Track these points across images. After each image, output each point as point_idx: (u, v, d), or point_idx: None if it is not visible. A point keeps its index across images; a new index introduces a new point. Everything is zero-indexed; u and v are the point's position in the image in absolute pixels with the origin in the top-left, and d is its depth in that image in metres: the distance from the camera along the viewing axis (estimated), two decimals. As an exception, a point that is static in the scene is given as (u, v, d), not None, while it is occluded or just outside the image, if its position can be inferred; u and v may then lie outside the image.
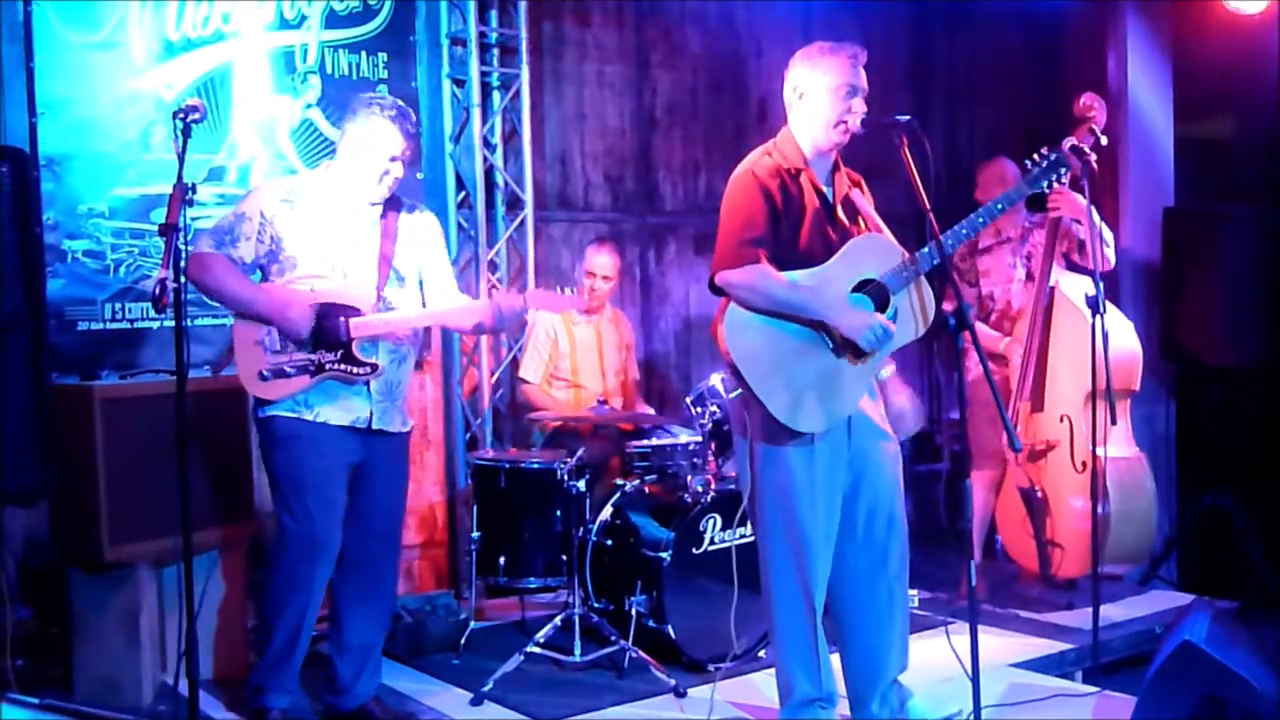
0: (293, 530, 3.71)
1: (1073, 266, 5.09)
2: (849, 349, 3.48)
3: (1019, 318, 5.09)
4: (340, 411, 3.74)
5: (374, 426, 3.79)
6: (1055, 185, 3.76)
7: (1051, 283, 4.95)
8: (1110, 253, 4.87)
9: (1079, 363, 4.71)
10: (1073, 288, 4.92)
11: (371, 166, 3.72)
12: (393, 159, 3.73)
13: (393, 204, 3.85)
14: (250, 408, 3.87)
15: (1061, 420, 4.92)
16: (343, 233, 3.76)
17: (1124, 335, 4.95)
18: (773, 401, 3.42)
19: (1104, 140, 4.43)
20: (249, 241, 3.69)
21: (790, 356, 3.45)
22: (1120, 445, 4.95)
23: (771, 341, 3.45)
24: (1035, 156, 3.67)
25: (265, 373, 3.66)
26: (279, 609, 3.75)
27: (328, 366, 3.69)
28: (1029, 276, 5.10)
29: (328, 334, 3.68)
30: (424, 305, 3.91)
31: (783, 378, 3.44)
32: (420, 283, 3.91)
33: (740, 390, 3.51)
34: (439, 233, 3.99)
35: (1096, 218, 4.61)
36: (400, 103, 3.80)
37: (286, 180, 4.21)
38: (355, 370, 3.72)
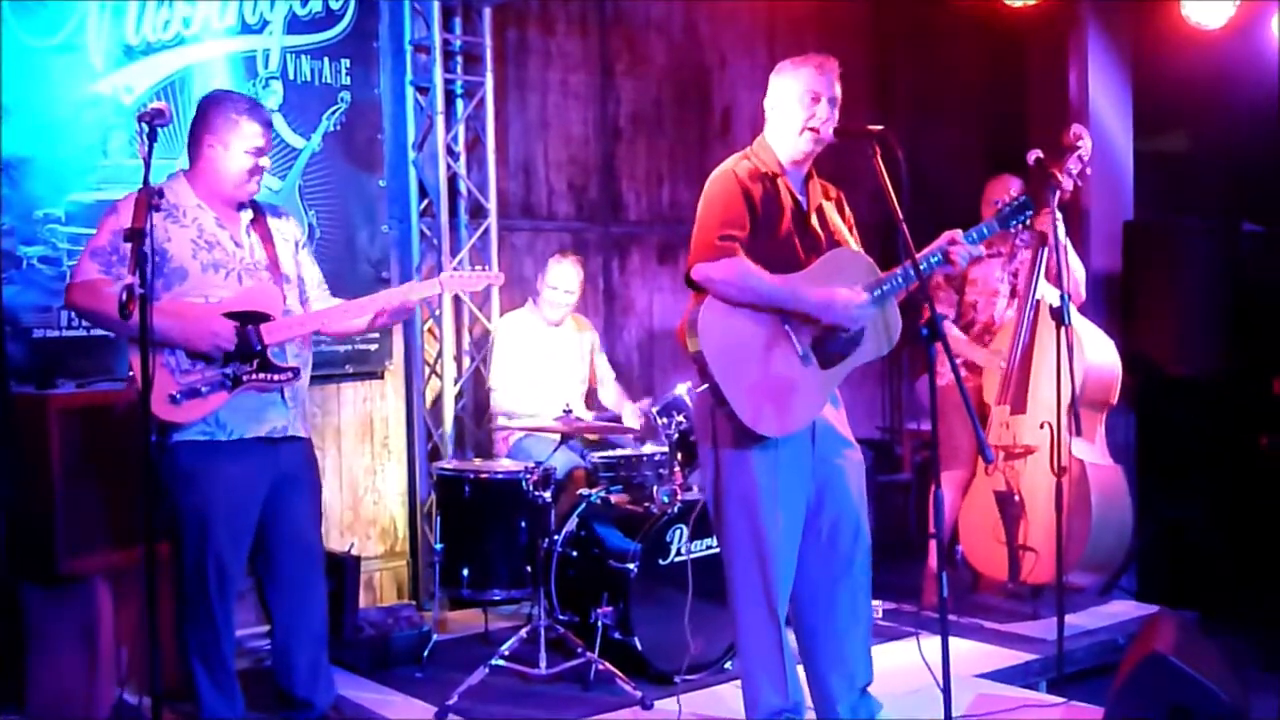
0: (195, 567, 3.57)
1: None
2: (816, 355, 3.49)
3: (998, 331, 5.19)
4: (256, 424, 3.62)
5: (289, 434, 3.70)
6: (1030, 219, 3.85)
7: (1037, 295, 5.05)
8: (1081, 288, 5.07)
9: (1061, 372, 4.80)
10: (1055, 300, 5.00)
11: (239, 165, 3.64)
12: (259, 152, 3.65)
13: (257, 208, 3.78)
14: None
15: (1042, 427, 4.95)
16: (226, 238, 3.66)
17: (1104, 351, 5.07)
18: (737, 401, 3.41)
19: (1089, 171, 4.66)
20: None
21: (758, 358, 3.45)
22: (1098, 456, 5.02)
23: (742, 340, 3.45)
24: (1007, 197, 3.79)
25: (177, 395, 3.49)
26: (198, 648, 3.63)
27: (245, 378, 3.57)
28: (1013, 293, 5.23)
29: (240, 344, 3.55)
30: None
31: (749, 379, 3.43)
32: (301, 285, 3.84)
33: (705, 386, 3.49)
34: (304, 238, 3.94)
35: (1073, 255, 4.82)
36: (247, 95, 3.73)
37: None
38: (276, 377, 3.61)
